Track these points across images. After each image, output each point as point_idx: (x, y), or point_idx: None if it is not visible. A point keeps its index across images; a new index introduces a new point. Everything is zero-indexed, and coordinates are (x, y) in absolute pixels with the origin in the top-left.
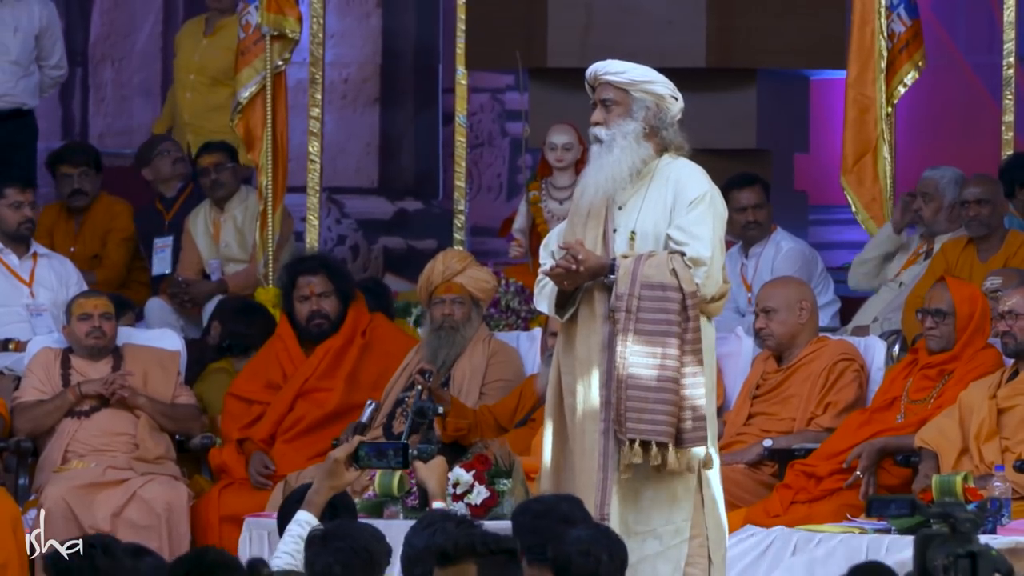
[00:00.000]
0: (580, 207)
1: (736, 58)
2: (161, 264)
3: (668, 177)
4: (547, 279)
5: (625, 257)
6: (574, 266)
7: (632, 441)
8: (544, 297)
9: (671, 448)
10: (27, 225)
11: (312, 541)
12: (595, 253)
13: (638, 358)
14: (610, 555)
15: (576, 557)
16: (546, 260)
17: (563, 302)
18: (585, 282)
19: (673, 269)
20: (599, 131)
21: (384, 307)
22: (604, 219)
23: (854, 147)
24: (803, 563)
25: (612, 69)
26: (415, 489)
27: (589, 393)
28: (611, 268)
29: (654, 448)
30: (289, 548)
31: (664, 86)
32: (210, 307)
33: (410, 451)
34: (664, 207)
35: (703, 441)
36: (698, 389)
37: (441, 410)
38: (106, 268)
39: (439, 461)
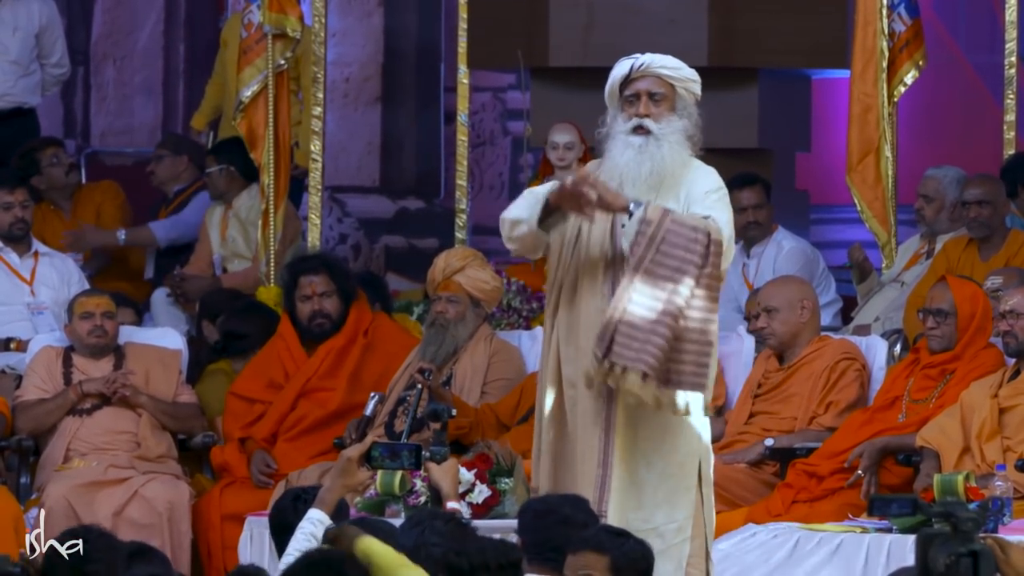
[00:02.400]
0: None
1: (738, 57)
2: (150, 269)
3: (683, 179)
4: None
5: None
6: (586, 187)
7: (612, 365)
8: (526, 203)
9: (651, 383)
10: (20, 225)
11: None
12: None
13: (642, 296)
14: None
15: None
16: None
17: (544, 218)
18: (593, 211)
19: (706, 218)
20: (648, 123)
21: (381, 299)
22: (613, 212)
23: (858, 146)
24: (804, 562)
25: (667, 64)
26: (416, 488)
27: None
28: (634, 203)
29: (632, 377)
30: (301, 545)
31: (699, 85)
32: None
33: (423, 453)
34: (676, 206)
35: (701, 388)
36: (708, 330)
37: (454, 412)
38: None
39: (452, 463)
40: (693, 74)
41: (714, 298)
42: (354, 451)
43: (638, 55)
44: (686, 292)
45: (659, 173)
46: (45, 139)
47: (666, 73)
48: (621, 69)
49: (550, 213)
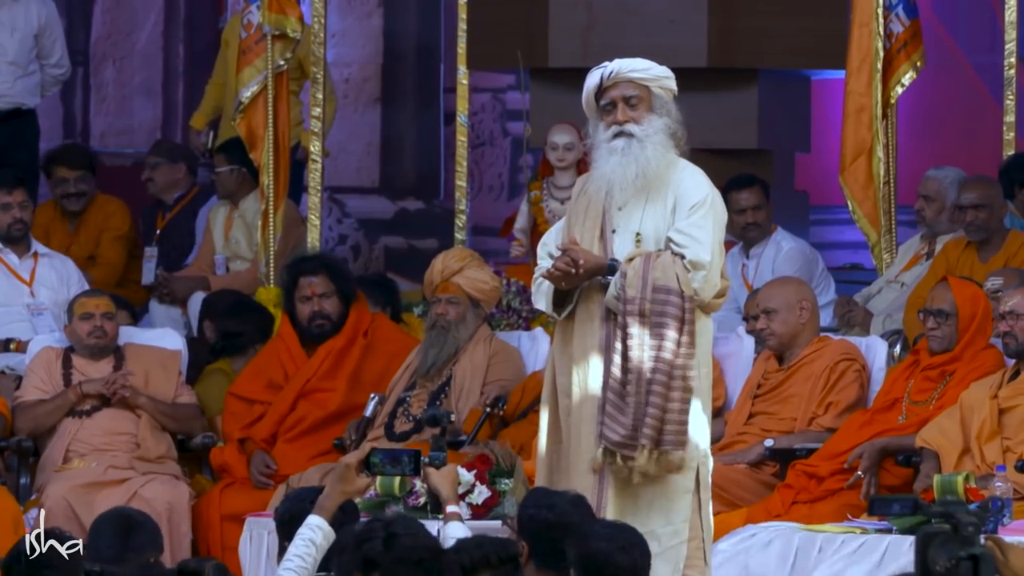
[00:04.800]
0: (580, 203)
1: (737, 58)
2: (147, 274)
3: (670, 180)
4: (543, 278)
5: (629, 260)
6: (573, 269)
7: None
8: (542, 295)
9: (647, 451)
10: (18, 226)
11: (343, 549)
12: (592, 252)
13: (648, 361)
14: (631, 553)
15: (598, 556)
16: (544, 259)
17: (561, 300)
18: (583, 282)
19: (676, 274)
20: (631, 127)
21: (392, 301)
22: (602, 218)
23: (851, 146)
24: (804, 562)
25: (637, 66)
26: (416, 489)
27: (585, 395)
28: (610, 268)
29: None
30: (300, 551)
31: (673, 81)
32: (192, 303)
33: (422, 459)
34: (665, 210)
35: (682, 446)
36: (689, 378)
37: (453, 418)
38: (101, 267)
39: (451, 468)
40: (665, 71)
41: (692, 343)
42: (352, 458)
43: (606, 63)
44: (669, 357)
45: (645, 175)
46: (72, 157)
47: (637, 76)
48: (593, 80)
49: (565, 295)
